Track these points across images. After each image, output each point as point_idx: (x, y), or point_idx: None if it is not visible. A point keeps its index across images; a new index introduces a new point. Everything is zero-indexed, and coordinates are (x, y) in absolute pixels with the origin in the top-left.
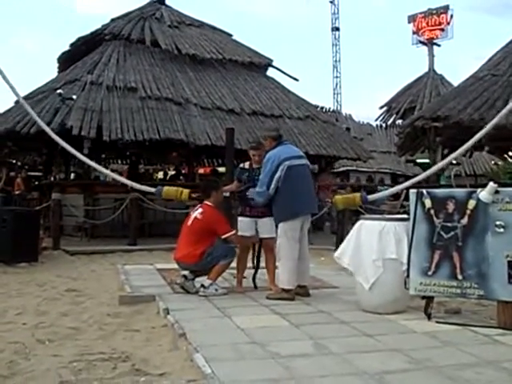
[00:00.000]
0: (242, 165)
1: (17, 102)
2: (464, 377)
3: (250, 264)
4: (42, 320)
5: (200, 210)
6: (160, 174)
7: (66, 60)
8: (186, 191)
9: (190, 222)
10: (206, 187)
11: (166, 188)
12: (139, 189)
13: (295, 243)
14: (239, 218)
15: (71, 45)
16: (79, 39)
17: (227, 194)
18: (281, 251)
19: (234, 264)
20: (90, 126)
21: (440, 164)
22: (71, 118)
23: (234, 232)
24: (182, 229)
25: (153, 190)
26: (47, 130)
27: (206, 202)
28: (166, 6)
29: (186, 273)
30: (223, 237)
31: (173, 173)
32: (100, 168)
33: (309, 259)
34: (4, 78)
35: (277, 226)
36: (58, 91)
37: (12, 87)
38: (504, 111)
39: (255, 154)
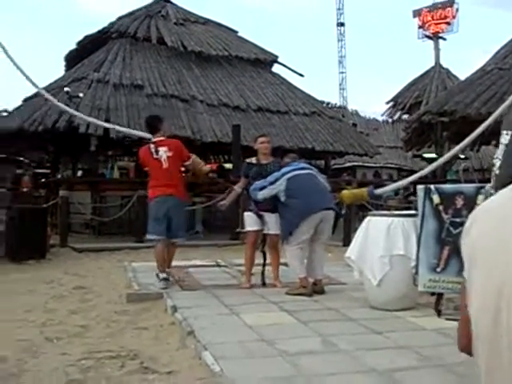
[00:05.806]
0: (248, 160)
1: (25, 101)
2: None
3: (257, 260)
4: (50, 317)
5: (164, 148)
6: None
7: (73, 58)
8: (207, 167)
9: (165, 165)
10: (151, 123)
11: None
12: None
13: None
14: (245, 213)
15: (78, 43)
16: (86, 37)
17: (238, 190)
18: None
19: (241, 260)
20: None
21: (445, 156)
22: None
23: (193, 156)
24: (156, 171)
25: None
26: (74, 112)
27: (158, 138)
28: (172, 3)
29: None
30: (188, 162)
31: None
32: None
33: (321, 253)
34: (22, 72)
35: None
36: (65, 89)
37: (31, 81)
38: (507, 102)
39: (264, 140)
